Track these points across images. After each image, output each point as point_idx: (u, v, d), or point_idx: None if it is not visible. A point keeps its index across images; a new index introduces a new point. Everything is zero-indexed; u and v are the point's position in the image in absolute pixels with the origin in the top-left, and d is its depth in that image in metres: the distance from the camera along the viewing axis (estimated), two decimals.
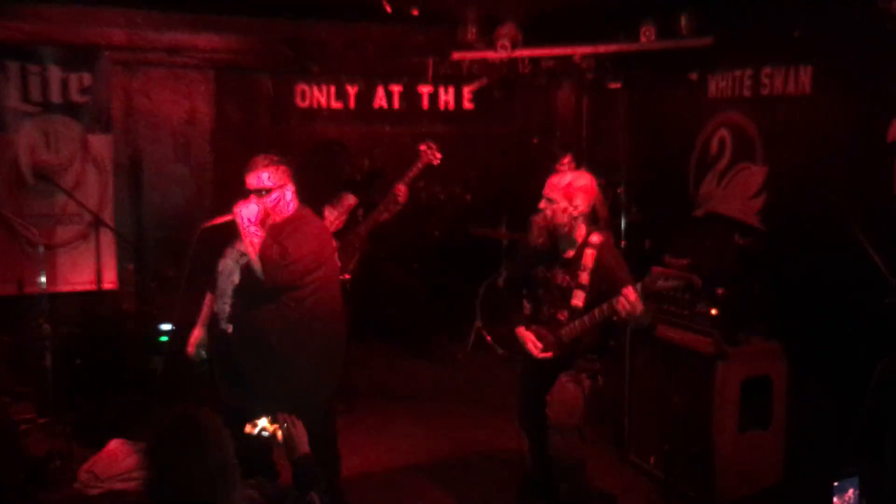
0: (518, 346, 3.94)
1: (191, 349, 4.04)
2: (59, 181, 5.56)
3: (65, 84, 5.72)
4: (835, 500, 2.71)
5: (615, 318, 3.64)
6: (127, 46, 6.13)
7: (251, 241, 3.63)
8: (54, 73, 5.70)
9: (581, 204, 3.79)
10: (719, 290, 4.32)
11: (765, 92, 5.19)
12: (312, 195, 5.54)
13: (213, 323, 3.93)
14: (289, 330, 3.76)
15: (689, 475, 4.31)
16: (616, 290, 3.54)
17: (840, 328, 4.38)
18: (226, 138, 6.62)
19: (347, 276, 5.52)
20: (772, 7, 5.09)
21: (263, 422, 2.97)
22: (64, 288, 5.79)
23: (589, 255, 3.78)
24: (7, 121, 5.61)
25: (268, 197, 3.76)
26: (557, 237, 3.88)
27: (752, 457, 4.27)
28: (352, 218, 5.77)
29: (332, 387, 4.05)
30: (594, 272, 3.75)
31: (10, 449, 4.50)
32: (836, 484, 2.70)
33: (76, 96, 5.77)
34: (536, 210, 3.89)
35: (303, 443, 2.81)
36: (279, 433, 2.88)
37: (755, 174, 5.31)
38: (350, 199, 5.90)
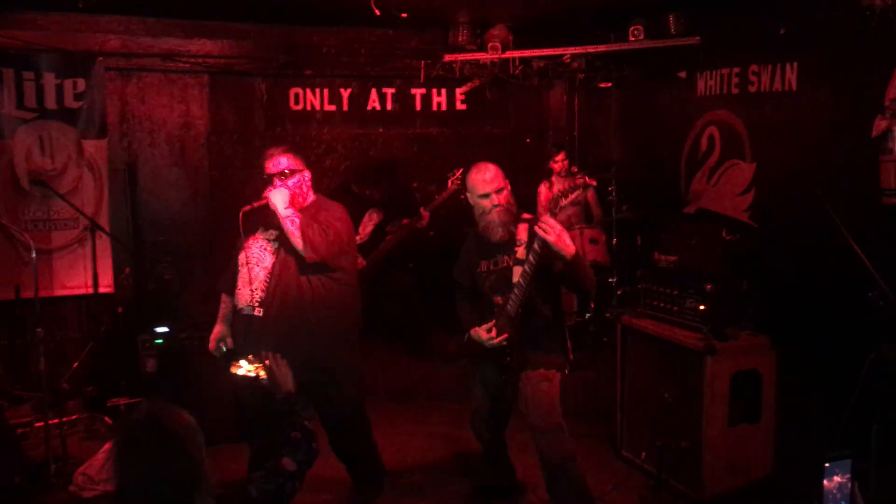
0: (478, 349, 3.86)
1: (212, 345, 4.10)
2: (55, 186, 5.59)
3: (60, 90, 5.76)
4: (826, 482, 2.64)
5: (555, 273, 3.63)
6: (122, 52, 6.18)
7: (291, 220, 3.75)
8: (49, 80, 5.74)
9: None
10: (708, 286, 4.36)
11: (752, 89, 5.24)
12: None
13: (235, 315, 3.97)
14: (329, 306, 3.88)
15: (681, 469, 4.34)
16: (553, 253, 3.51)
17: (827, 322, 4.43)
18: (221, 142, 6.67)
19: None
20: (758, 5, 5.14)
21: (245, 363, 2.99)
22: (61, 292, 5.83)
23: (522, 229, 3.78)
24: (2, 127, 5.65)
25: (290, 178, 3.89)
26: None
27: (742, 450, 4.30)
28: (377, 232, 6.00)
29: (359, 370, 4.18)
30: (529, 244, 3.68)
31: (8, 453, 4.53)
32: (827, 465, 2.64)
33: (71, 102, 5.81)
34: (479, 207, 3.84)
35: (286, 381, 2.77)
36: (262, 372, 2.86)
37: (744, 171, 5.36)
38: (376, 216, 6.09)
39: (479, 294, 3.94)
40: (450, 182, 6.16)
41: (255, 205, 3.85)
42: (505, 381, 3.87)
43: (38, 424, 5.06)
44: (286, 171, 3.88)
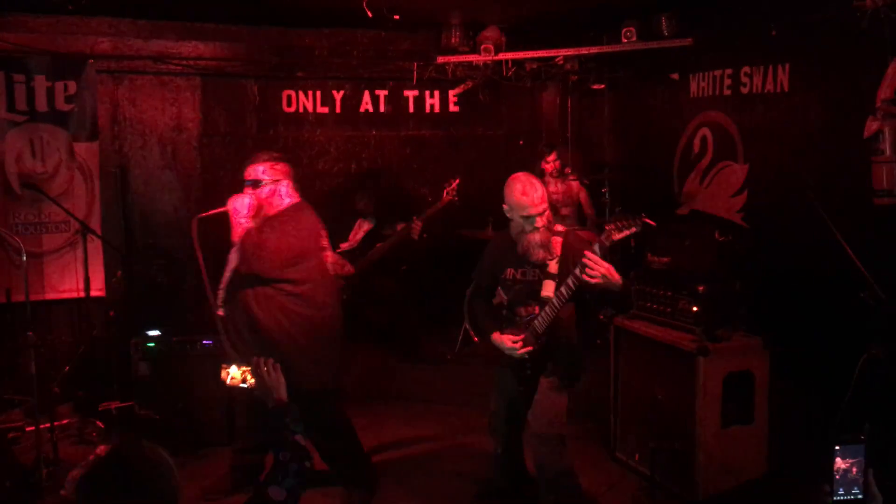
0: (495, 353, 3.85)
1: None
2: (46, 189, 5.56)
3: (50, 93, 5.73)
4: (837, 463, 2.57)
5: (586, 288, 3.53)
6: (113, 55, 6.16)
7: (237, 230, 3.91)
8: (40, 82, 5.71)
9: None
10: (700, 287, 4.36)
11: (744, 91, 5.25)
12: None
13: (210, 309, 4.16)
14: (277, 316, 3.97)
15: (674, 471, 4.34)
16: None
17: (820, 322, 4.44)
18: (213, 144, 6.66)
19: (344, 297, 5.77)
20: (750, 7, 5.15)
21: (234, 369, 2.77)
22: (52, 296, 5.81)
23: (556, 243, 3.73)
24: None
25: (261, 189, 4.00)
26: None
27: (735, 451, 4.30)
28: (367, 241, 5.97)
29: (324, 378, 4.14)
30: (562, 259, 3.68)
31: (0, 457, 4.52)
32: (837, 448, 2.57)
33: (62, 105, 5.78)
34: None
35: (279, 390, 2.57)
36: (249, 378, 2.66)
37: (736, 172, 5.37)
38: (367, 225, 6.06)
39: (496, 298, 3.97)
40: (445, 193, 6.17)
41: (212, 212, 4.01)
42: (521, 390, 3.86)
43: (29, 429, 5.03)
44: (256, 181, 4.00)
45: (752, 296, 4.52)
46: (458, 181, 6.18)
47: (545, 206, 3.68)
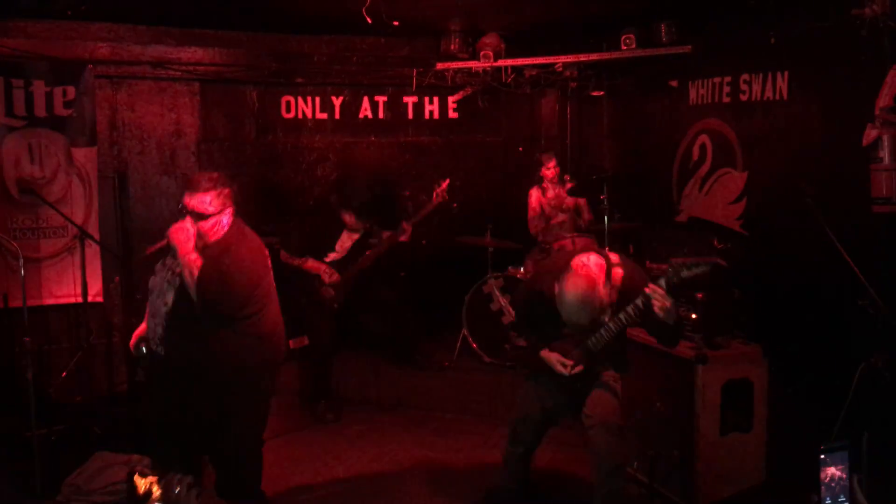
0: (543, 369, 3.90)
1: (132, 341, 3.99)
2: (44, 194, 5.56)
3: (49, 98, 5.73)
4: (823, 471, 2.57)
5: (641, 318, 3.63)
6: (112, 60, 6.15)
7: (190, 270, 3.53)
8: (39, 87, 5.71)
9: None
10: (699, 295, 4.36)
11: (743, 98, 5.25)
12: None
13: (147, 340, 3.84)
14: (225, 356, 3.67)
15: (672, 479, 4.33)
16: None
17: (819, 330, 4.43)
18: (211, 150, 6.65)
19: (336, 306, 5.83)
20: (749, 14, 5.15)
21: (138, 477, 2.60)
22: (49, 301, 5.79)
23: (617, 275, 3.72)
24: None
25: (206, 222, 3.65)
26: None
27: (734, 459, 4.30)
28: (356, 249, 5.90)
29: (262, 408, 3.92)
30: (622, 292, 3.69)
31: None
32: (823, 457, 2.58)
33: (61, 110, 5.78)
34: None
35: None
36: (155, 490, 2.52)
37: (735, 179, 5.37)
38: (355, 235, 5.99)
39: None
40: (434, 195, 6.09)
41: (158, 246, 3.74)
42: (569, 398, 3.91)
43: (26, 434, 5.01)
44: (203, 214, 3.62)
45: (750, 303, 4.52)
46: (447, 182, 6.07)
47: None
